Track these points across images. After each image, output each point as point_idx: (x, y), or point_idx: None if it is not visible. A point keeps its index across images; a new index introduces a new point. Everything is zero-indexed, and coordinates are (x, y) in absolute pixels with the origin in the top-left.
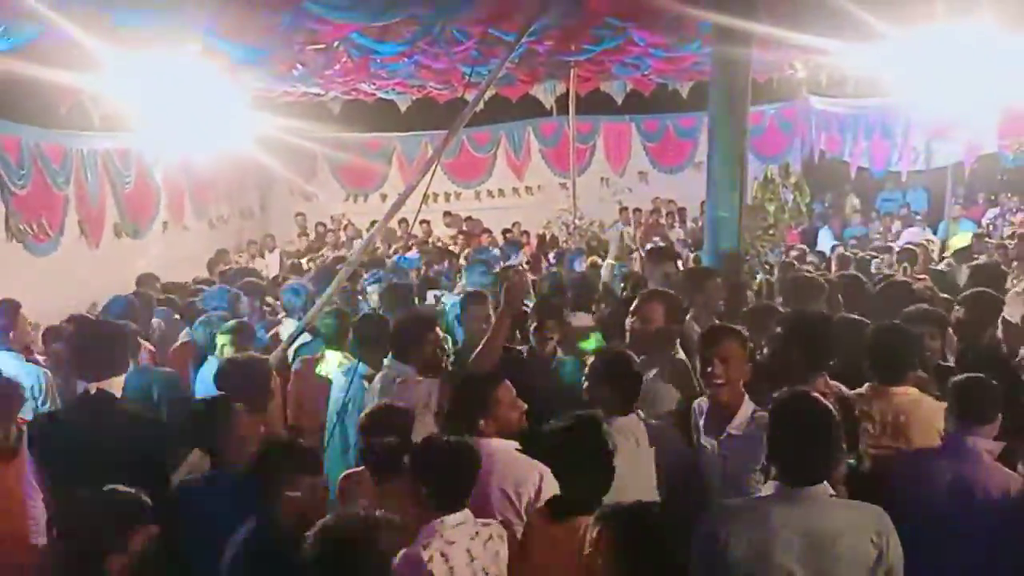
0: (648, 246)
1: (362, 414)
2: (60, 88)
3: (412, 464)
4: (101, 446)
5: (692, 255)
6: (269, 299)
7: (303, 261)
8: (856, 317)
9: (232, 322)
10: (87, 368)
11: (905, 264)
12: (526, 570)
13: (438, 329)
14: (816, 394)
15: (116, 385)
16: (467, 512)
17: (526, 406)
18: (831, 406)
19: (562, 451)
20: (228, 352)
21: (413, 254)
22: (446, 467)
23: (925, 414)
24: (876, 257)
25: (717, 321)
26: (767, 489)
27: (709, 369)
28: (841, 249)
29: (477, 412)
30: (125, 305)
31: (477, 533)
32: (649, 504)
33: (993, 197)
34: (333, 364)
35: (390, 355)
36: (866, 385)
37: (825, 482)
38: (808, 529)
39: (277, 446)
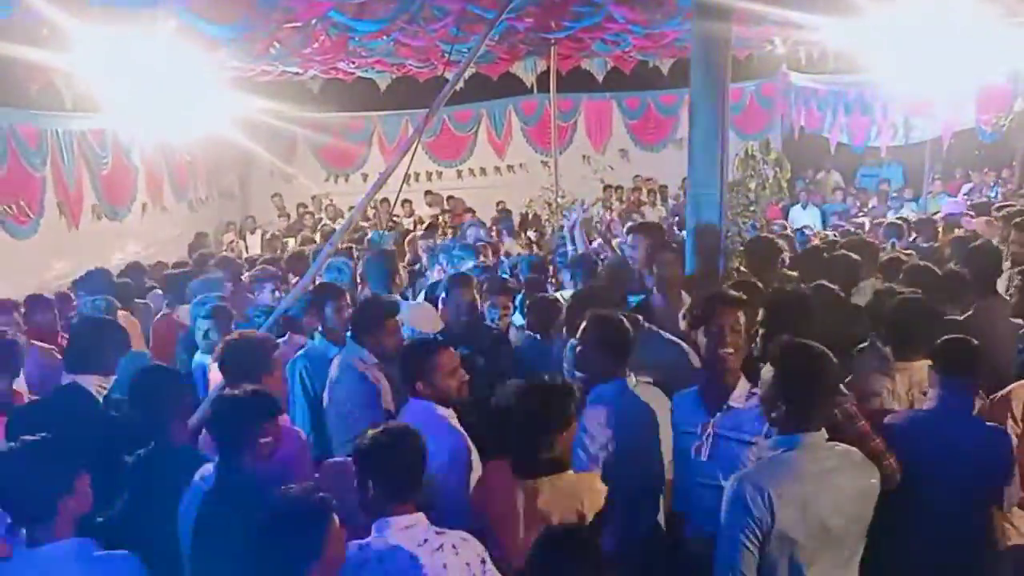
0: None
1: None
2: (32, 68)
3: (355, 461)
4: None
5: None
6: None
7: (289, 241)
8: (827, 284)
9: (210, 305)
10: (71, 360)
11: (893, 240)
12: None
13: (399, 317)
14: (813, 343)
15: (98, 383)
16: (419, 516)
17: (467, 376)
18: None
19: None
20: (214, 336)
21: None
22: (389, 460)
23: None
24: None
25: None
26: (772, 444)
27: (718, 340)
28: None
29: (416, 374)
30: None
31: (426, 540)
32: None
33: (971, 173)
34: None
35: (348, 337)
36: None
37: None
38: (824, 473)
39: (244, 394)
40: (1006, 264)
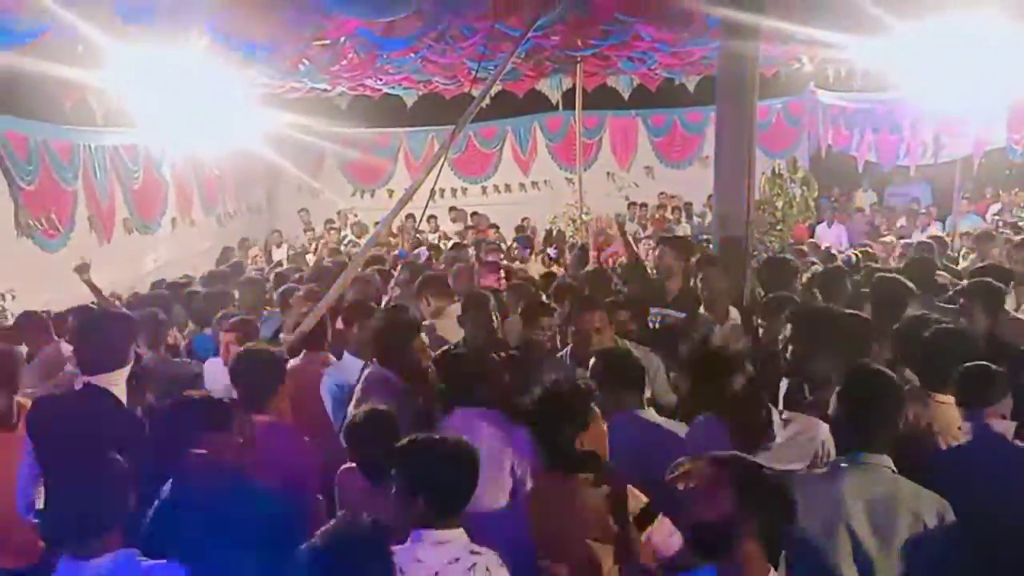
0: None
1: (345, 422)
2: (65, 84)
3: (402, 469)
4: (85, 441)
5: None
6: None
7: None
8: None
9: (235, 318)
10: (83, 361)
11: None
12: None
13: (424, 336)
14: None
15: (116, 379)
16: (458, 532)
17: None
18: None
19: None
20: (234, 350)
21: (422, 251)
22: (445, 473)
23: (952, 429)
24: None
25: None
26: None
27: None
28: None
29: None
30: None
31: (457, 559)
32: None
33: (1001, 192)
34: None
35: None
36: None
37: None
38: (875, 495)
39: (186, 402)
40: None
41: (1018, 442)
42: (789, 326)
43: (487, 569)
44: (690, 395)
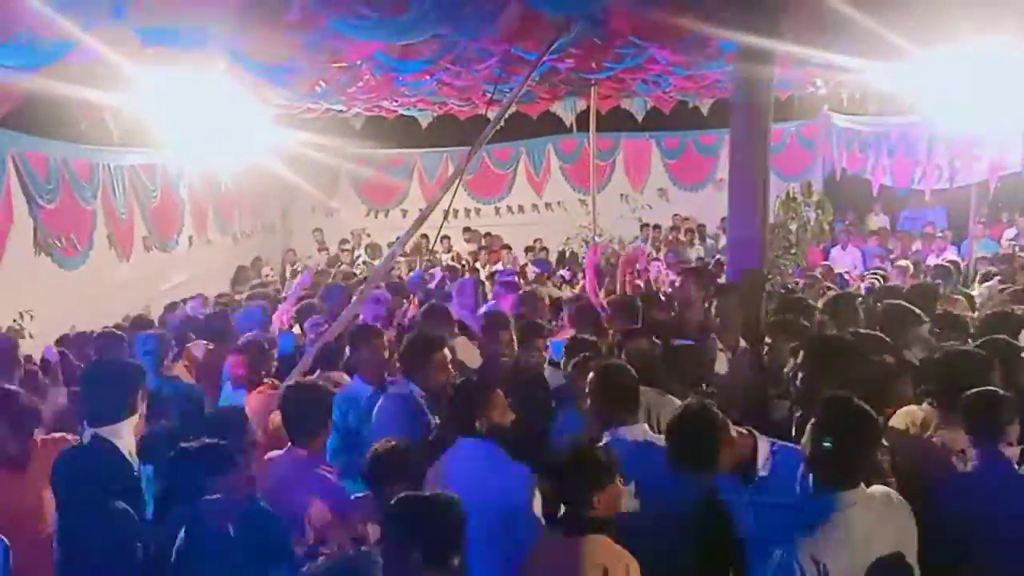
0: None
1: (368, 454)
2: (84, 104)
3: (390, 526)
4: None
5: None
6: None
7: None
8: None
9: (245, 340)
10: (90, 412)
11: (939, 282)
12: None
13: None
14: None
15: (123, 430)
16: None
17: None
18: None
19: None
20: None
21: (437, 272)
22: (432, 527)
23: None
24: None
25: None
26: (811, 506)
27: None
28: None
29: (476, 410)
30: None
31: None
32: None
33: (1017, 217)
34: None
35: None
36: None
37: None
38: (872, 528)
39: (192, 449)
40: None
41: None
42: (801, 354)
43: None
44: None
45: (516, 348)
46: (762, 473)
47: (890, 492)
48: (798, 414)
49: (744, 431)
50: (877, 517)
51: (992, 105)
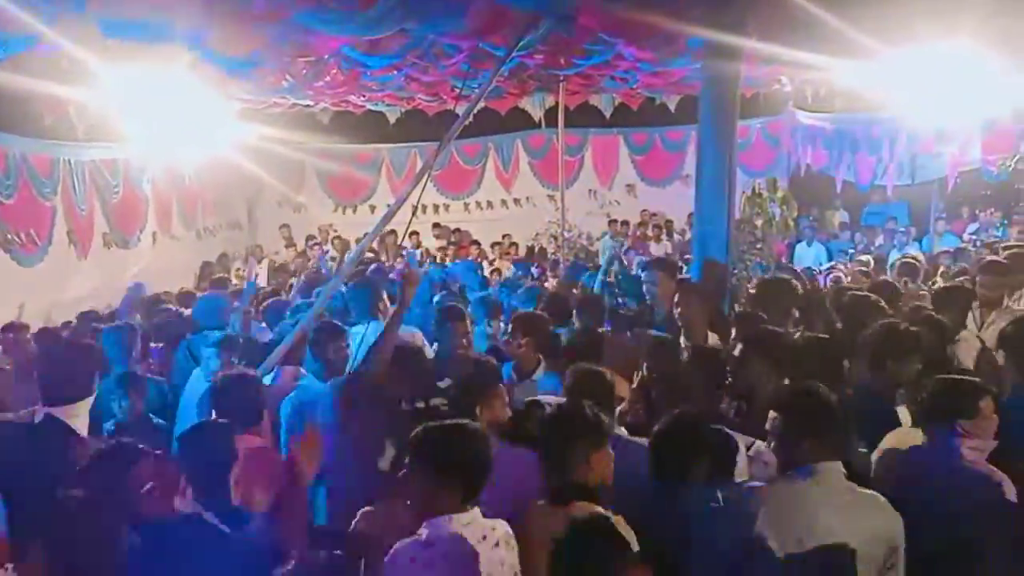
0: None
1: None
2: (46, 99)
3: (424, 455)
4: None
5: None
6: None
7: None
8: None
9: (219, 334)
10: (45, 391)
11: (906, 278)
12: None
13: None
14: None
15: (79, 410)
16: (476, 511)
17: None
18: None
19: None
20: (214, 365)
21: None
22: (469, 457)
23: None
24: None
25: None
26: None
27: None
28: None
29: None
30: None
31: (484, 537)
32: None
33: (977, 212)
34: None
35: None
36: None
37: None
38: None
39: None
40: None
41: (975, 463)
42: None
43: (505, 542)
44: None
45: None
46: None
47: (875, 496)
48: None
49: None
50: (846, 501)
51: (952, 103)
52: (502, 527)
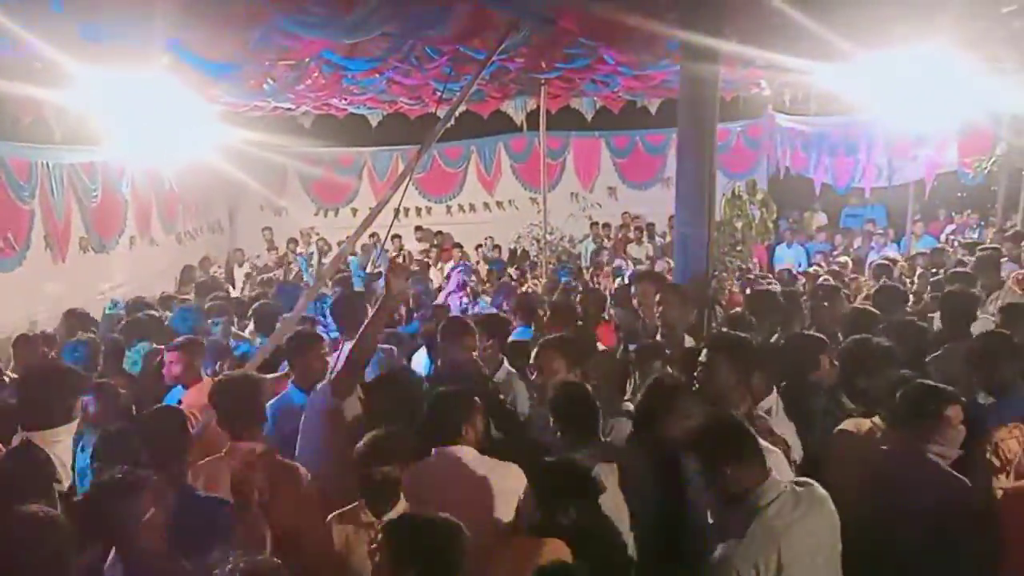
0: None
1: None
2: (24, 101)
3: (392, 546)
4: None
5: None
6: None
7: (278, 274)
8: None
9: (181, 338)
10: (23, 416)
11: (884, 279)
12: None
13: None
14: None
15: (60, 435)
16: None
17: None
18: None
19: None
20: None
21: None
22: (437, 552)
23: None
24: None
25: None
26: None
27: None
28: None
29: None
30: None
31: None
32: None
33: (953, 214)
34: None
35: None
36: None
37: None
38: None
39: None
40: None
41: (938, 459)
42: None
43: None
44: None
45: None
46: None
47: (813, 488)
48: None
49: None
50: (800, 513)
51: (929, 106)
52: None
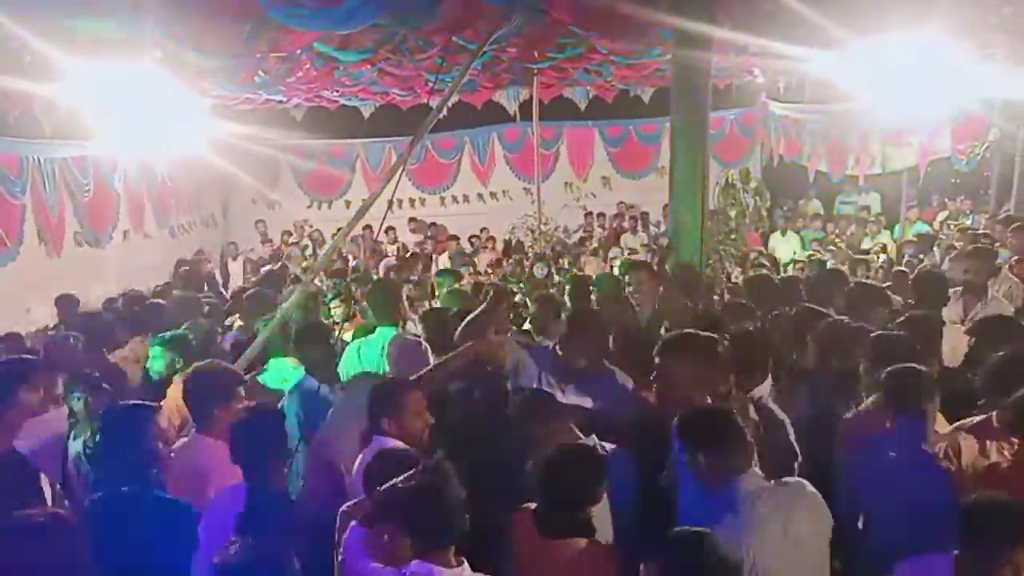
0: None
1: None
2: (11, 95)
3: (383, 508)
4: None
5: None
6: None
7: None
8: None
9: (169, 333)
10: None
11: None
12: None
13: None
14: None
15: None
16: (464, 568)
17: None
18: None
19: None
20: (158, 365)
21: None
22: (427, 508)
23: None
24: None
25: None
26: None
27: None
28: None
29: (384, 412)
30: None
31: None
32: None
33: (947, 200)
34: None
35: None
36: None
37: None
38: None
39: None
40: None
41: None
42: None
43: None
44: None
45: None
46: None
47: (802, 486)
48: None
49: None
50: (770, 509)
51: (922, 93)
52: None
